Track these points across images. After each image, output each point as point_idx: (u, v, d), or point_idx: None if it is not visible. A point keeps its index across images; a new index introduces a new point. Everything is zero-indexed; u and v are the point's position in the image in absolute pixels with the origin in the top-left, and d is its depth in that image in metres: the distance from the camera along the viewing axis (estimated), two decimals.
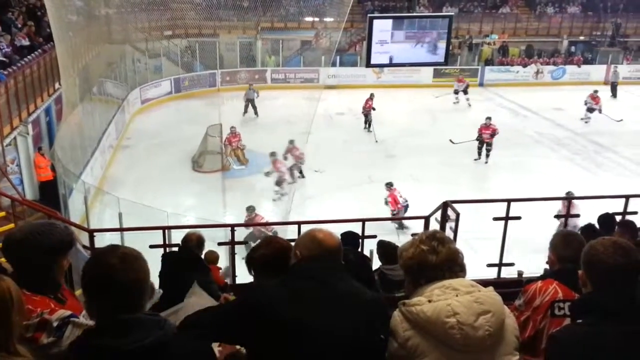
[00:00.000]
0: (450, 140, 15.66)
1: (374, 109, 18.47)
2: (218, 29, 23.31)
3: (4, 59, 12.39)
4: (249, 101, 19.90)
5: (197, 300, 2.72)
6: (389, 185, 12.33)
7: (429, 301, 1.87)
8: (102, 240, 6.30)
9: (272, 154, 13.88)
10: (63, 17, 12.18)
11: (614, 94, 23.24)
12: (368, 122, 18.41)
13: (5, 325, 1.63)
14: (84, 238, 6.45)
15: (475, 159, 15.81)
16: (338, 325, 1.98)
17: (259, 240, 2.57)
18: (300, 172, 14.53)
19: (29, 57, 13.52)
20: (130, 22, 19.00)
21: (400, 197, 12.11)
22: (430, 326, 1.85)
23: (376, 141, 17.45)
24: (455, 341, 1.84)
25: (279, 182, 13.62)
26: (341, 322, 1.99)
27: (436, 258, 1.95)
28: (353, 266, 2.33)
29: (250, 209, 11.17)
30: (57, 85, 14.07)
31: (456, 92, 21.85)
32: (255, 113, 19.85)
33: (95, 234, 6.13)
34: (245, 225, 7.72)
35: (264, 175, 13.87)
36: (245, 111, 19.81)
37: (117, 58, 18.74)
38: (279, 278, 2.23)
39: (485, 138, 15.63)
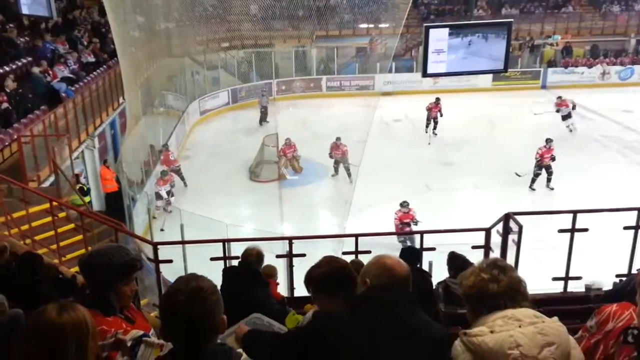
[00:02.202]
0: (516, 174, 14.33)
1: (441, 114, 18.37)
2: (273, 39, 23.59)
3: (72, 76, 13.00)
4: (264, 108, 20.03)
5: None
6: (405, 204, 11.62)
7: (491, 332, 1.80)
8: (164, 252, 6.46)
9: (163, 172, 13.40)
10: (125, 34, 12.60)
11: None
12: (433, 125, 18.32)
13: (82, 352, 1.70)
14: (147, 249, 6.67)
15: (532, 189, 14.13)
16: (405, 359, 1.98)
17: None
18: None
19: (94, 73, 14.15)
20: (189, 36, 19.53)
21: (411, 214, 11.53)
22: (493, 358, 1.78)
23: (429, 143, 17.62)
24: None
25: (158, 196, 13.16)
26: (409, 356, 2.01)
27: (497, 287, 1.87)
28: (414, 285, 2.31)
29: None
30: (121, 100, 14.62)
31: (563, 117, 18.45)
32: (265, 119, 19.95)
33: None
34: (303, 237, 7.74)
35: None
36: (263, 119, 19.91)
37: (177, 71, 19.29)
38: (347, 305, 2.22)
39: (547, 162, 14.15)
